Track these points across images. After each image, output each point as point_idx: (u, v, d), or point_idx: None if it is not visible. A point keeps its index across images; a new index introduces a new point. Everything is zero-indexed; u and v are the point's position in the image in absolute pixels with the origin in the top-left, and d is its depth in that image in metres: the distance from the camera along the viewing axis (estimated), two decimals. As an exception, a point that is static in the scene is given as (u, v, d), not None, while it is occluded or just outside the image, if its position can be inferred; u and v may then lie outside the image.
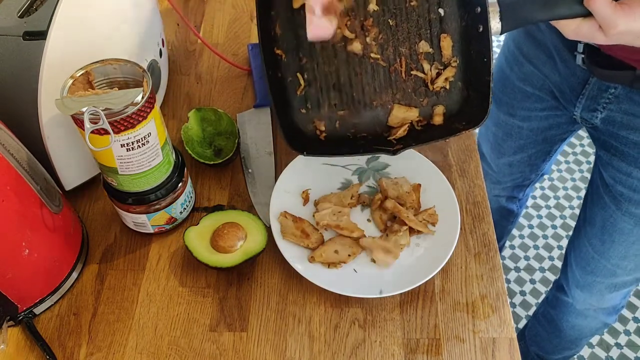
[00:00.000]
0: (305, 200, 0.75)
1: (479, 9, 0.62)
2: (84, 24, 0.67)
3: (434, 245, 0.70)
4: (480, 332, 0.65)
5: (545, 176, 1.92)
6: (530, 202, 1.86)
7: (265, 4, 0.67)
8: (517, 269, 1.71)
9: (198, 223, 0.71)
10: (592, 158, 1.95)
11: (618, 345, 1.55)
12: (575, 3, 0.56)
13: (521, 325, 1.57)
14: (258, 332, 0.66)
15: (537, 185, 1.90)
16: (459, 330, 0.66)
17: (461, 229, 0.74)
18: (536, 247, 1.76)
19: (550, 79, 0.90)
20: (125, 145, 0.59)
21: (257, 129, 0.85)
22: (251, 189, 0.78)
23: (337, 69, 0.70)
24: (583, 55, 0.78)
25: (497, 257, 0.72)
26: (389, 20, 0.68)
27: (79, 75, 0.61)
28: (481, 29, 0.62)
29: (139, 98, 0.58)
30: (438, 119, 0.70)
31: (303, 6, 0.67)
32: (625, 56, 0.72)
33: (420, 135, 0.69)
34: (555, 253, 1.74)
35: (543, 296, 1.63)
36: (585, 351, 1.54)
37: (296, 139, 0.70)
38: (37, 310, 0.67)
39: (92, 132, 0.56)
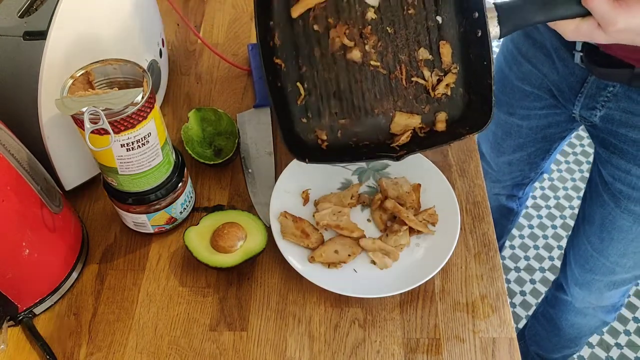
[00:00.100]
0: (305, 200, 0.75)
1: (476, 14, 0.62)
2: (84, 24, 0.67)
3: (434, 245, 0.70)
4: (480, 332, 0.65)
5: (546, 176, 1.92)
6: (530, 202, 1.86)
7: (264, 15, 0.67)
8: (517, 269, 1.71)
9: (198, 223, 0.71)
10: (592, 158, 1.94)
11: (618, 345, 1.55)
12: (573, 3, 0.56)
13: (521, 325, 1.57)
14: (258, 331, 0.66)
15: (537, 185, 1.90)
16: (459, 330, 0.66)
17: (461, 229, 0.74)
18: (536, 247, 1.76)
19: (549, 78, 0.90)
20: (125, 145, 0.59)
21: (257, 129, 0.85)
22: (251, 189, 0.78)
23: (337, 76, 0.70)
24: (581, 54, 0.78)
25: (497, 257, 0.72)
26: (388, 28, 0.68)
27: (79, 75, 0.61)
28: (480, 34, 0.62)
29: (139, 98, 0.58)
30: (441, 126, 0.69)
31: (301, 16, 0.68)
32: (624, 54, 0.72)
33: (424, 141, 0.69)
34: (555, 253, 1.74)
35: (543, 296, 1.63)
36: (585, 351, 1.54)
37: (298, 148, 0.69)
38: (37, 310, 0.67)
39: (92, 132, 0.56)
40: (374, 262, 0.70)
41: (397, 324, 0.66)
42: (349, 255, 0.70)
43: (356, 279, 0.68)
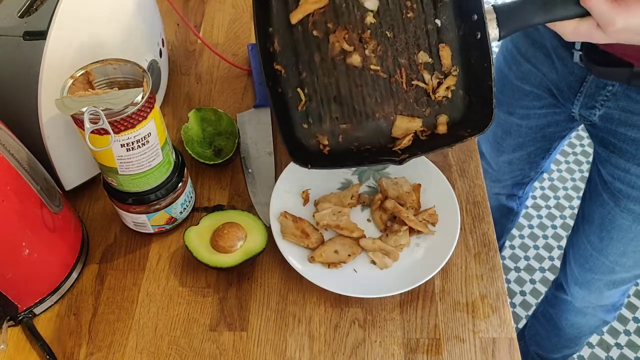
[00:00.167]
0: (305, 200, 0.75)
1: (475, 17, 0.62)
2: (84, 24, 0.67)
3: (434, 245, 0.70)
4: (480, 332, 0.65)
5: (546, 176, 1.92)
6: (530, 202, 1.86)
7: (263, 21, 0.67)
8: (517, 269, 1.71)
9: (198, 223, 0.71)
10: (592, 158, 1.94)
11: (618, 345, 1.55)
12: (571, 3, 0.55)
13: (521, 325, 1.57)
14: (258, 332, 0.66)
15: (537, 185, 1.90)
16: (459, 330, 0.66)
17: (461, 229, 0.74)
18: (536, 247, 1.76)
19: (548, 77, 0.90)
20: (125, 145, 0.59)
21: (257, 129, 0.85)
22: (251, 189, 0.78)
23: (337, 81, 0.70)
24: (580, 53, 0.78)
25: (497, 257, 0.72)
26: (387, 32, 0.68)
27: (79, 75, 0.61)
28: (479, 36, 0.62)
29: (139, 98, 0.58)
30: (442, 128, 0.69)
31: (300, 21, 0.68)
32: (623, 53, 0.72)
33: (426, 144, 0.69)
34: (555, 253, 1.74)
35: (543, 296, 1.63)
36: (585, 351, 1.54)
37: (300, 154, 0.69)
38: (37, 310, 0.67)
39: (92, 132, 0.56)
40: (374, 262, 0.70)
41: (397, 324, 0.66)
42: (349, 255, 0.70)
43: (356, 279, 0.68)
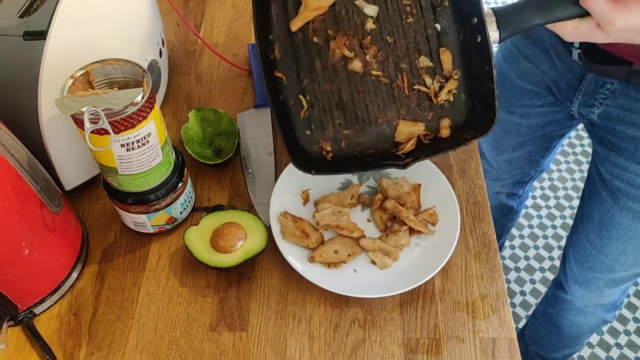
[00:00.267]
0: (305, 200, 0.75)
1: (475, 20, 0.62)
2: (84, 24, 0.67)
3: (434, 245, 0.70)
4: (480, 332, 0.65)
5: (546, 176, 1.92)
6: (530, 202, 1.86)
7: (263, 29, 0.68)
8: (517, 269, 1.71)
9: (198, 223, 0.71)
10: (592, 158, 1.94)
11: (618, 345, 1.55)
12: (571, 4, 0.55)
13: (521, 325, 1.57)
14: (258, 332, 0.66)
15: (537, 185, 1.90)
16: (459, 330, 0.66)
17: (461, 229, 0.74)
18: (536, 247, 1.76)
19: (548, 76, 0.90)
20: (125, 145, 0.59)
21: (257, 129, 0.85)
22: (251, 189, 0.78)
23: (338, 88, 0.70)
24: (579, 51, 0.78)
25: (497, 257, 0.72)
26: (387, 37, 0.68)
27: (79, 75, 0.61)
28: (479, 39, 0.62)
29: (139, 98, 0.58)
30: (445, 132, 0.69)
31: (300, 29, 0.68)
32: (622, 51, 0.72)
33: (429, 148, 0.69)
34: (555, 253, 1.74)
35: (543, 295, 1.63)
36: (585, 351, 1.54)
37: (303, 160, 0.69)
38: (37, 310, 0.67)
39: (92, 132, 0.56)
40: (374, 262, 0.70)
41: (397, 324, 0.66)
42: (349, 255, 0.70)
43: (356, 279, 0.68)
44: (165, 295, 0.69)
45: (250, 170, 0.80)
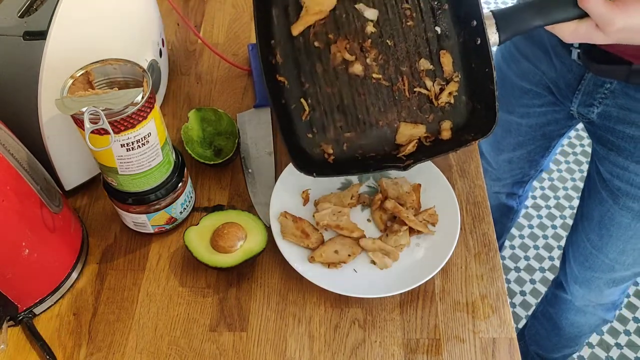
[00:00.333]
0: (305, 200, 0.75)
1: (474, 23, 0.62)
2: (84, 24, 0.67)
3: (434, 245, 0.70)
4: (480, 332, 0.65)
5: (546, 176, 1.92)
6: (530, 202, 1.86)
7: (265, 34, 0.68)
8: (517, 269, 1.71)
9: (198, 223, 0.71)
10: (592, 158, 1.94)
11: (618, 345, 1.55)
12: (569, 5, 0.56)
13: (521, 325, 1.57)
14: (258, 332, 0.66)
15: (537, 185, 1.90)
16: (459, 330, 0.66)
17: (461, 229, 0.74)
18: (536, 247, 1.76)
19: (547, 75, 0.90)
20: (125, 145, 0.59)
21: (257, 129, 0.85)
22: (251, 189, 0.78)
23: (339, 91, 0.70)
24: (579, 51, 0.79)
25: (497, 257, 0.72)
26: (387, 40, 0.68)
27: (79, 75, 0.61)
28: (479, 42, 0.62)
29: (139, 98, 0.58)
30: (446, 134, 0.69)
31: (301, 33, 0.69)
32: (621, 51, 0.72)
33: (430, 150, 0.69)
34: (555, 253, 1.74)
35: (543, 295, 1.63)
36: (585, 351, 1.54)
37: (305, 163, 0.70)
38: (37, 310, 0.67)
39: (92, 132, 0.56)
40: (374, 262, 0.70)
41: (397, 324, 0.66)
42: (349, 255, 0.70)
43: (356, 279, 0.68)
44: (165, 295, 0.69)
45: (250, 170, 0.80)
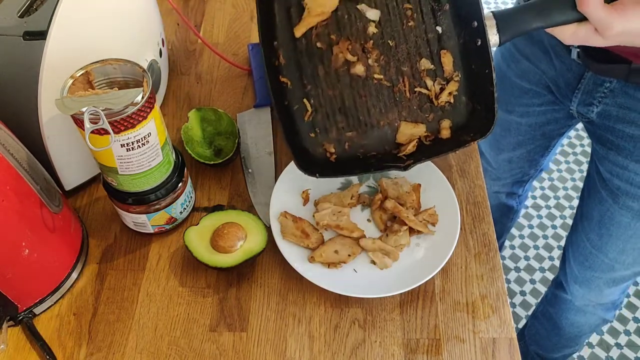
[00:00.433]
0: (305, 200, 0.75)
1: (475, 24, 0.62)
2: (84, 24, 0.67)
3: (434, 245, 0.70)
4: (480, 332, 0.65)
5: (546, 176, 1.92)
6: (530, 202, 1.86)
7: (268, 35, 0.69)
8: (517, 269, 1.71)
9: (198, 223, 0.71)
10: (592, 158, 1.94)
11: (618, 345, 1.55)
12: (568, 9, 0.56)
13: (521, 325, 1.57)
14: (258, 332, 0.66)
15: (537, 185, 1.90)
16: (459, 330, 0.66)
17: (461, 229, 0.74)
18: (536, 247, 1.76)
19: (547, 74, 0.90)
20: (125, 145, 0.59)
21: (257, 129, 0.85)
22: (251, 189, 0.78)
23: (341, 93, 0.71)
24: (578, 50, 0.79)
25: (497, 257, 0.72)
26: (389, 41, 0.68)
27: (79, 75, 0.61)
28: (479, 43, 0.62)
29: (139, 98, 0.58)
30: (445, 133, 0.70)
31: (304, 34, 0.69)
32: (621, 50, 0.72)
33: (430, 149, 0.70)
34: (555, 253, 1.74)
35: (543, 295, 1.63)
36: (585, 351, 1.54)
37: (307, 162, 0.70)
38: (37, 310, 0.67)
39: (92, 132, 0.56)
40: (374, 262, 0.70)
41: (397, 324, 0.66)
42: (349, 255, 0.70)
43: (356, 279, 0.68)
44: (165, 295, 0.69)
45: (250, 170, 0.80)
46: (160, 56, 0.84)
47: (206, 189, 0.79)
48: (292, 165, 0.76)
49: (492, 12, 0.61)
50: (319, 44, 0.69)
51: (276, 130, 0.85)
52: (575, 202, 1.85)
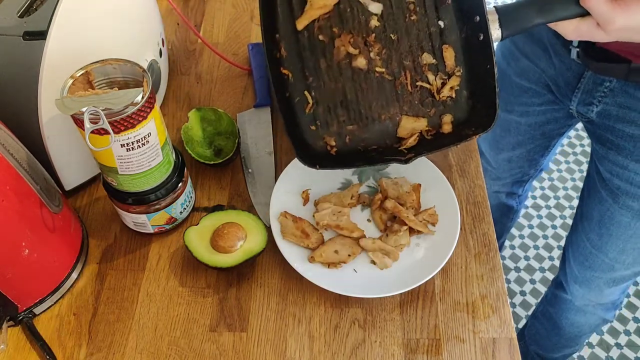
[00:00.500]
0: (305, 200, 0.75)
1: (477, 18, 0.62)
2: (84, 24, 0.67)
3: (434, 245, 0.70)
4: (480, 332, 0.65)
5: (546, 176, 1.92)
6: (530, 202, 1.86)
7: (270, 28, 0.69)
8: (517, 269, 1.71)
9: (198, 223, 0.71)
10: (592, 158, 1.94)
11: (618, 345, 1.55)
12: (571, 4, 0.56)
13: (521, 325, 1.57)
14: (258, 332, 0.66)
15: (537, 185, 1.90)
16: (459, 330, 0.66)
17: (461, 229, 0.74)
18: (536, 247, 1.76)
19: (547, 74, 0.90)
20: (125, 145, 0.59)
21: (257, 129, 0.85)
22: (251, 189, 0.78)
23: (343, 86, 0.71)
24: (578, 49, 0.79)
25: (497, 257, 0.72)
26: (391, 35, 0.68)
27: (79, 75, 0.61)
28: (482, 37, 0.62)
29: (139, 98, 0.58)
30: (447, 127, 0.70)
31: (306, 27, 0.69)
32: (620, 49, 0.72)
33: (431, 144, 0.70)
34: (555, 253, 1.74)
35: (543, 295, 1.63)
36: (585, 351, 1.54)
37: (308, 155, 0.70)
38: (37, 310, 0.67)
39: (92, 132, 0.56)
40: (374, 262, 0.70)
41: (397, 324, 0.66)
42: (349, 255, 0.70)
43: (356, 279, 0.68)
44: (165, 295, 0.69)
45: (250, 170, 0.80)
46: (160, 56, 0.84)
47: (206, 189, 0.79)
48: (292, 166, 0.76)
49: (494, 6, 0.61)
50: (321, 37, 0.69)
51: (276, 130, 0.85)
52: (575, 202, 1.85)
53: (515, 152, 1.12)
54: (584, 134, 2.04)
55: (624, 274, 0.98)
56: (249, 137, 0.84)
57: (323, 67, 0.70)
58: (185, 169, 0.71)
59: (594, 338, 1.56)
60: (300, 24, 0.69)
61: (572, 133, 2.04)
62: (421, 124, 0.70)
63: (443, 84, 0.69)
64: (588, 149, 2.00)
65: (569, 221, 1.81)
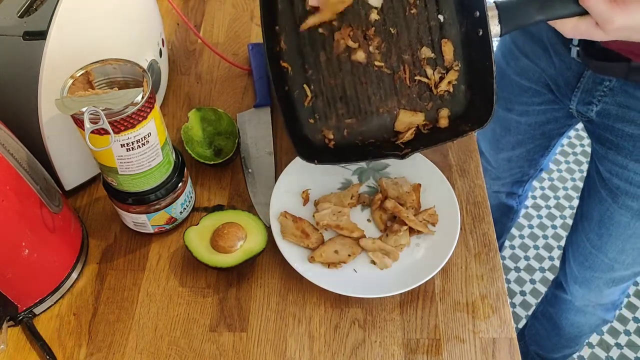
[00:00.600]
0: (305, 200, 0.75)
1: (477, 13, 0.62)
2: (84, 24, 0.67)
3: (434, 245, 0.70)
4: (480, 332, 0.65)
5: (546, 176, 1.92)
6: (530, 202, 1.86)
7: (270, 20, 0.69)
8: (517, 269, 1.71)
9: (198, 223, 0.71)
10: (592, 158, 1.94)
11: (618, 345, 1.55)
12: (570, 2, 0.56)
13: (521, 325, 1.57)
14: (258, 332, 0.66)
15: (537, 185, 1.90)
16: (459, 330, 0.66)
17: (461, 229, 0.74)
18: (536, 247, 1.76)
19: (546, 73, 0.90)
20: (125, 145, 0.59)
21: (257, 129, 0.85)
22: (251, 189, 0.78)
23: (342, 81, 0.71)
24: (578, 48, 0.79)
25: (497, 257, 0.72)
26: (391, 28, 0.68)
27: (79, 75, 0.61)
28: (481, 33, 0.62)
29: (139, 98, 0.58)
30: (444, 122, 0.70)
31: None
32: (620, 48, 0.72)
33: (428, 138, 0.70)
34: (555, 253, 1.74)
35: (543, 295, 1.63)
36: (585, 351, 1.54)
37: (306, 149, 0.70)
38: (37, 310, 0.67)
39: (92, 132, 0.56)
40: (374, 262, 0.70)
41: (397, 324, 0.66)
42: (349, 255, 0.70)
43: (356, 279, 0.68)
44: (165, 295, 0.69)
45: (250, 170, 0.80)
46: (160, 56, 0.84)
47: (206, 189, 0.79)
48: (292, 165, 0.76)
49: (495, 2, 0.61)
50: (320, 30, 0.69)
51: (276, 131, 0.85)
52: (575, 202, 1.85)
53: (515, 151, 1.12)
54: (584, 134, 2.04)
55: (624, 274, 0.99)
56: (249, 137, 0.84)
57: (322, 61, 0.70)
58: (185, 169, 0.71)
59: (594, 338, 1.56)
60: (304, 28, 0.69)
61: (572, 133, 2.04)
62: (418, 118, 0.71)
63: (441, 78, 0.69)
64: (588, 149, 2.00)
65: (569, 221, 1.81)
